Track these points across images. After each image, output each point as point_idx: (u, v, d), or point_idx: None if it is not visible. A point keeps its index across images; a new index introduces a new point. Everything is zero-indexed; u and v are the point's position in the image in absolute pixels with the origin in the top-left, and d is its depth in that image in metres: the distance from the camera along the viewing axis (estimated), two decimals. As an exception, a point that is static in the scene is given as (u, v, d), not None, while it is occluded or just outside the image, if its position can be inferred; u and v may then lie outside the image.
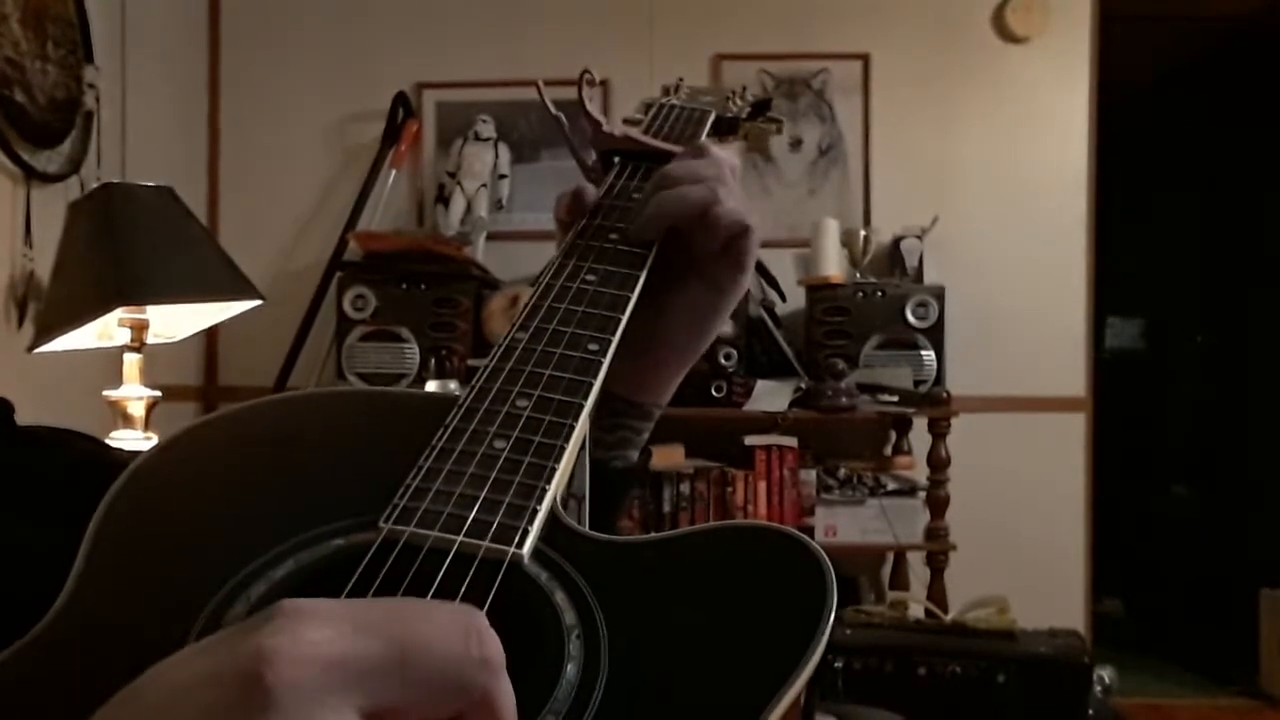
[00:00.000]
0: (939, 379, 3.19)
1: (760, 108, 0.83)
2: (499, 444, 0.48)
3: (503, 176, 3.53)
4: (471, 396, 0.51)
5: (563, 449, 0.49)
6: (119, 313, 2.11)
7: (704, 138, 0.75)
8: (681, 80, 0.83)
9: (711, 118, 0.78)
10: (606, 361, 0.55)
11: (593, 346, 0.55)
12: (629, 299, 0.59)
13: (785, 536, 0.46)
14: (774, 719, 0.38)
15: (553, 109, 0.71)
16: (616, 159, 0.71)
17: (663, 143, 0.72)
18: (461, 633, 0.30)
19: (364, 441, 0.52)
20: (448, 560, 0.42)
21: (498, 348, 0.55)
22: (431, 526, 0.43)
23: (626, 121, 0.74)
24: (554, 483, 0.47)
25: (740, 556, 0.46)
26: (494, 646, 0.30)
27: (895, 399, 3.12)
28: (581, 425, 0.51)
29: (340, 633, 0.29)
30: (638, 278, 0.60)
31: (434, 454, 0.47)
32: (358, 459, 0.51)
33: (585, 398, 0.52)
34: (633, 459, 0.67)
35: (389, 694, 0.29)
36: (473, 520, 0.44)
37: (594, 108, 0.71)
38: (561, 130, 0.72)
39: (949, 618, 2.77)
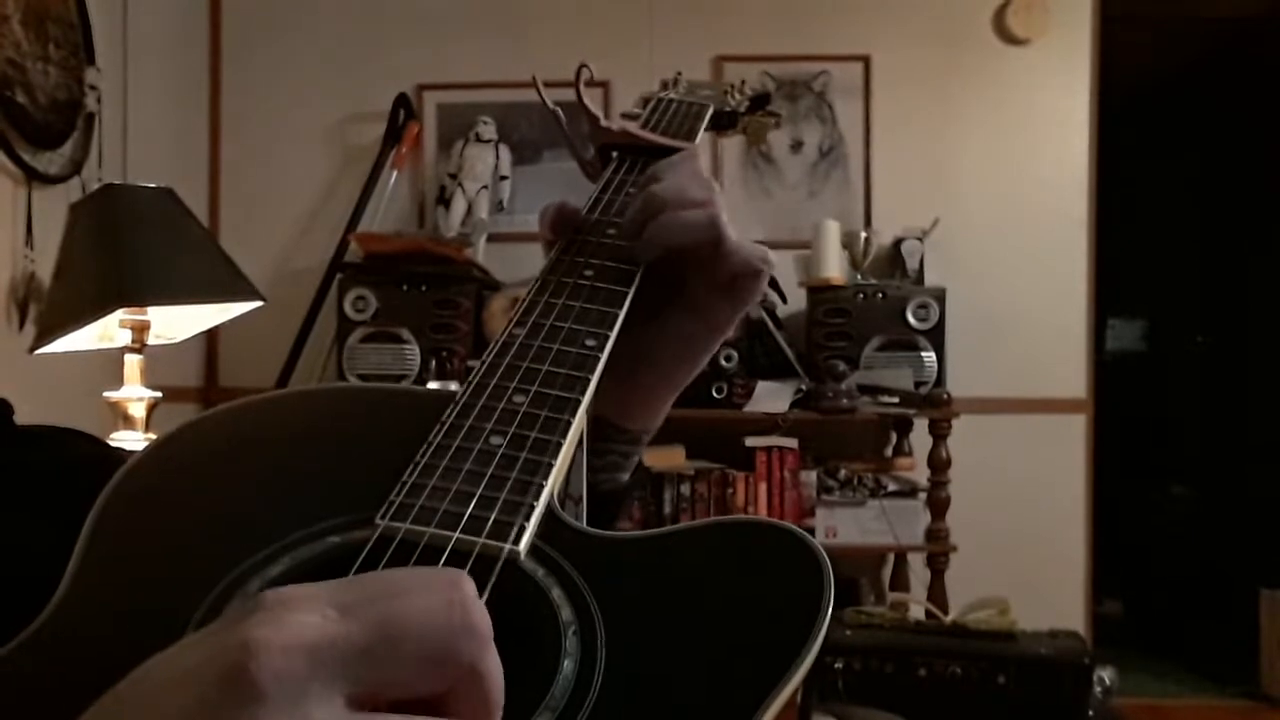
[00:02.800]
0: (939, 380, 3.19)
1: (759, 101, 0.83)
2: (495, 440, 0.48)
3: (504, 178, 3.54)
4: (468, 392, 0.51)
5: (559, 445, 0.48)
6: (120, 314, 2.12)
7: (702, 132, 0.75)
8: (680, 74, 0.82)
9: (710, 112, 0.77)
10: (604, 357, 0.54)
11: (590, 342, 0.55)
12: (626, 294, 0.58)
13: (782, 531, 0.46)
14: (770, 715, 0.38)
15: (550, 104, 0.71)
16: (614, 154, 0.71)
17: (661, 137, 0.71)
18: (445, 604, 0.30)
19: (360, 438, 0.52)
20: (444, 557, 0.42)
21: (495, 343, 0.55)
22: (427, 523, 0.43)
23: (625, 116, 0.74)
24: (550, 479, 0.47)
25: (737, 552, 0.46)
26: (479, 615, 0.30)
27: (896, 400, 3.12)
28: (579, 421, 0.51)
29: (324, 618, 0.29)
30: (635, 273, 0.60)
31: (430, 450, 0.47)
32: (354, 456, 0.50)
33: (582, 393, 0.52)
34: (622, 480, 0.67)
35: (376, 675, 0.28)
36: (469, 517, 0.44)
37: (591, 102, 0.71)
38: (559, 125, 0.72)
39: (949, 619, 2.77)
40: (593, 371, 0.53)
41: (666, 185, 0.61)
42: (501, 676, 0.30)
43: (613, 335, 0.56)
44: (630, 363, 0.62)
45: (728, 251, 0.59)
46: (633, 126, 0.72)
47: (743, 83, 0.84)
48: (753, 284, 0.61)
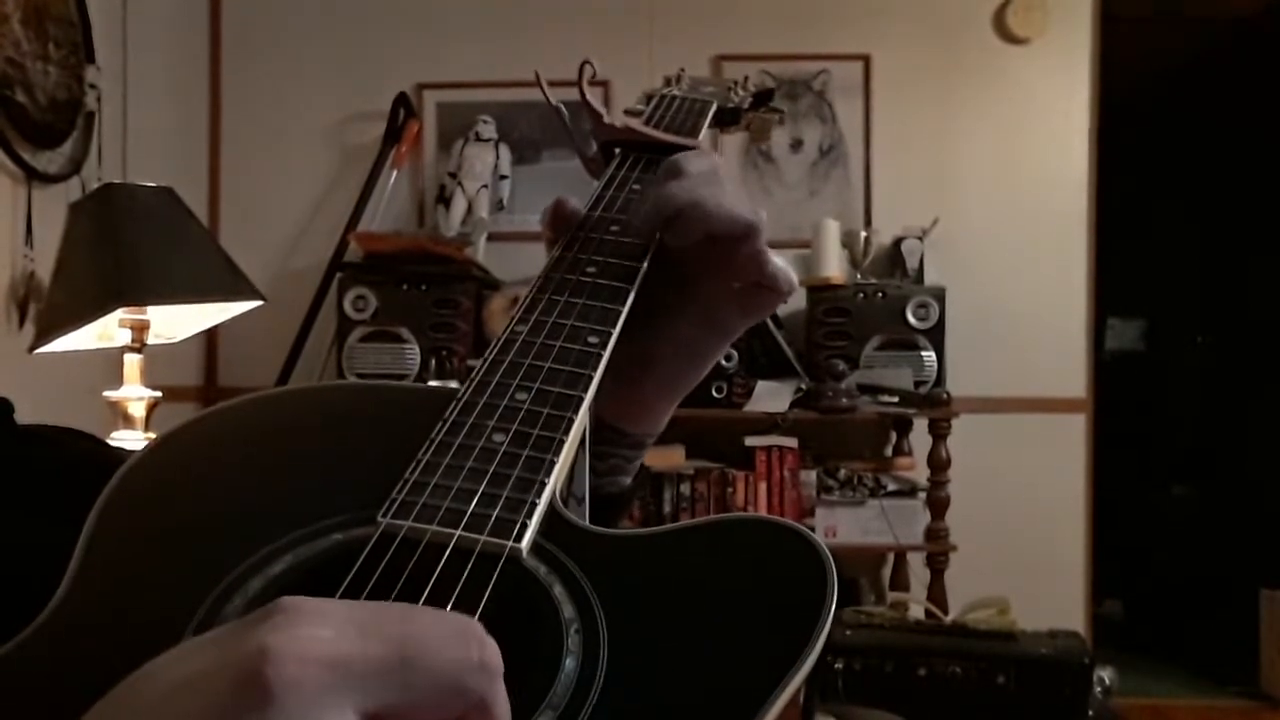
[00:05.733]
0: (939, 380, 3.19)
1: (762, 98, 0.83)
2: (498, 437, 0.48)
3: (503, 177, 3.53)
4: (470, 390, 0.51)
5: (561, 442, 0.48)
6: (119, 313, 2.11)
7: (705, 129, 0.74)
8: (683, 71, 0.82)
9: (713, 108, 0.77)
10: (606, 354, 0.54)
11: (592, 339, 0.55)
12: (629, 291, 0.58)
13: (785, 529, 0.46)
14: (773, 714, 0.38)
15: (552, 100, 0.71)
16: (617, 150, 0.71)
17: (664, 134, 0.71)
18: (462, 636, 0.30)
19: (362, 435, 0.52)
20: (446, 554, 0.42)
21: (497, 340, 0.54)
22: (430, 520, 0.43)
23: (627, 113, 0.74)
24: (552, 476, 0.47)
25: (740, 549, 0.46)
26: (493, 652, 0.30)
27: (896, 400, 3.12)
28: (581, 418, 0.51)
29: (342, 632, 0.29)
30: (638, 269, 0.60)
31: (432, 447, 0.47)
32: (356, 453, 0.50)
33: (584, 391, 0.52)
34: (625, 484, 0.67)
35: (389, 695, 0.29)
36: (471, 514, 0.44)
37: (594, 99, 0.70)
38: (562, 121, 0.72)
39: (949, 619, 2.77)
40: (595, 369, 0.53)
41: (694, 177, 0.58)
42: (509, 712, 0.31)
43: (615, 332, 0.56)
44: (633, 367, 0.62)
45: (760, 256, 0.58)
46: (636, 123, 0.71)
47: (745, 79, 0.84)
48: (770, 299, 0.61)
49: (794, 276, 0.60)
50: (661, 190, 0.59)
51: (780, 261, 0.59)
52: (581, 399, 0.51)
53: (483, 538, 0.43)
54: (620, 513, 0.66)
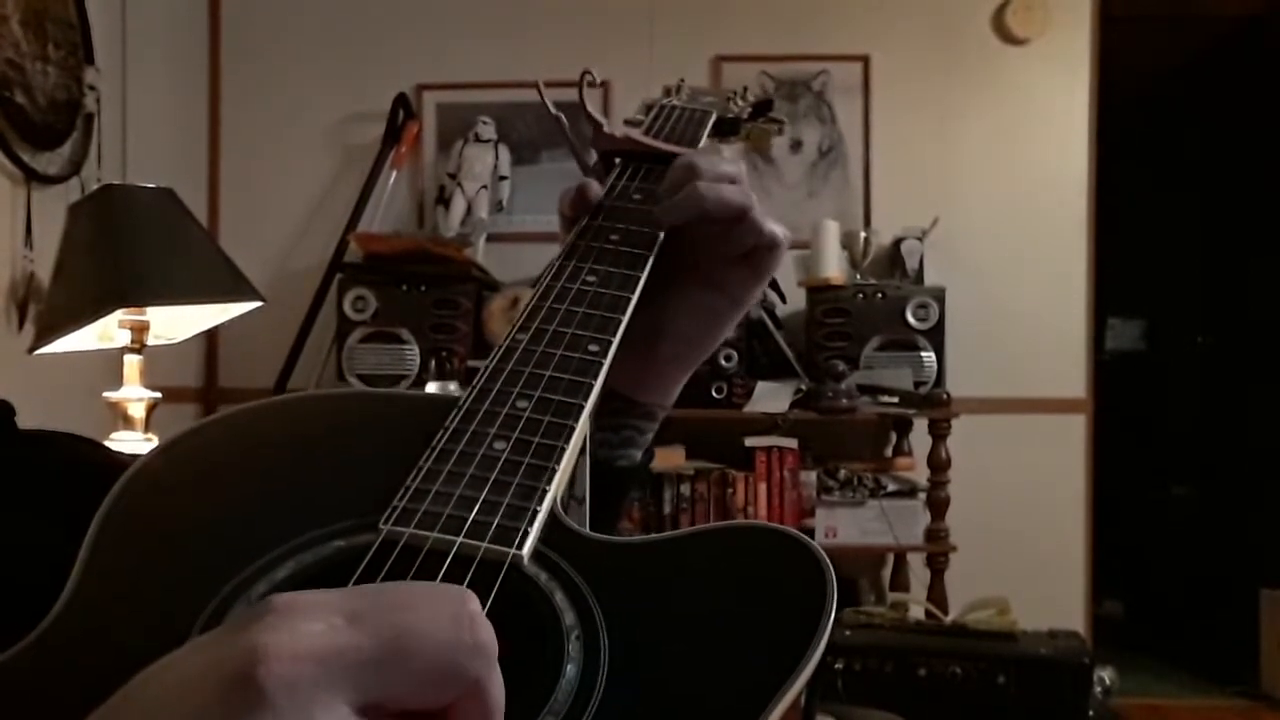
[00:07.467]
0: (939, 380, 3.19)
1: (761, 108, 0.83)
2: (499, 445, 0.48)
3: (503, 178, 3.53)
4: (471, 397, 0.51)
5: (562, 450, 0.49)
6: (119, 314, 2.12)
7: (705, 139, 0.75)
8: (683, 81, 0.83)
9: (713, 118, 0.78)
10: (607, 363, 0.55)
11: (593, 348, 0.55)
12: (629, 300, 0.59)
13: (785, 537, 0.46)
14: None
15: (553, 109, 0.71)
16: (617, 160, 0.71)
17: (664, 144, 0.72)
18: (453, 619, 0.30)
19: (364, 443, 0.52)
20: (447, 561, 0.42)
21: (498, 349, 0.55)
22: (431, 528, 0.44)
23: (627, 122, 0.74)
24: (554, 484, 0.47)
25: (740, 557, 0.47)
26: (486, 632, 0.30)
27: (895, 400, 3.12)
28: (581, 426, 0.51)
29: (331, 626, 0.28)
30: (638, 279, 0.60)
31: (434, 455, 0.48)
32: (358, 460, 0.51)
33: (585, 399, 0.52)
34: (636, 458, 0.67)
35: (382, 686, 0.28)
36: (472, 521, 0.44)
37: (594, 108, 0.71)
38: (562, 130, 0.72)
39: (949, 619, 2.77)
40: (595, 377, 0.54)
41: (700, 160, 0.64)
42: (503, 693, 0.31)
43: (616, 340, 0.56)
44: (647, 336, 0.64)
45: (752, 223, 0.62)
46: (636, 133, 0.72)
47: (745, 89, 0.85)
48: (770, 257, 0.64)
49: (784, 229, 0.65)
50: (666, 183, 0.65)
51: (772, 223, 0.64)
52: (582, 407, 0.51)
53: (484, 545, 0.43)
54: (626, 492, 0.67)
